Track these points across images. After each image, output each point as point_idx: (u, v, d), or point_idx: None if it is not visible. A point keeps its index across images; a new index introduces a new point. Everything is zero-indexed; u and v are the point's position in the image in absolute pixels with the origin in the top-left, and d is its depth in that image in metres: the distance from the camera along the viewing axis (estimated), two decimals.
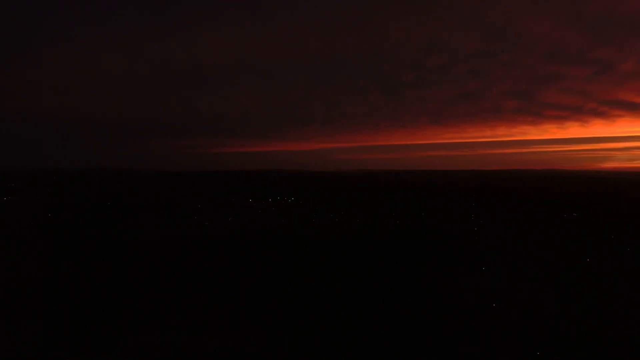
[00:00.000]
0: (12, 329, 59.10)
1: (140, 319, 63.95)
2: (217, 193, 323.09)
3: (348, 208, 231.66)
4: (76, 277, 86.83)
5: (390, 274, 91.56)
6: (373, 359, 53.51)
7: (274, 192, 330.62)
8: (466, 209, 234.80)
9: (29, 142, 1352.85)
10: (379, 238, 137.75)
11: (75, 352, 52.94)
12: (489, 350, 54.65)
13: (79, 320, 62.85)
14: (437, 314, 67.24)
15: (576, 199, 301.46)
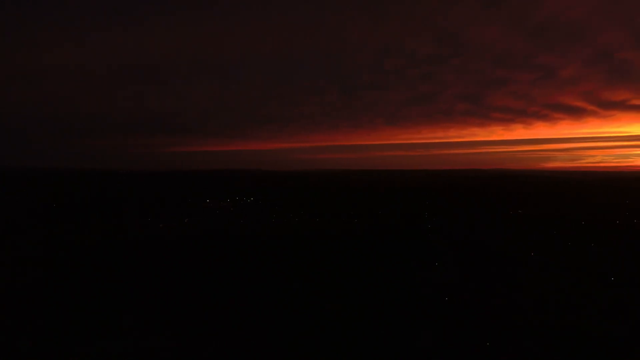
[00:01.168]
0: None
1: (78, 329, 61.30)
2: (173, 193, 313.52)
3: (307, 208, 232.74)
4: (14, 283, 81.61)
5: (347, 271, 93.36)
6: (330, 353, 54.56)
7: (232, 192, 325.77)
8: (420, 207, 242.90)
9: None
10: (338, 237, 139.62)
11: None
12: (441, 341, 57.27)
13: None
14: (393, 308, 69.48)
15: (521, 197, 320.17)
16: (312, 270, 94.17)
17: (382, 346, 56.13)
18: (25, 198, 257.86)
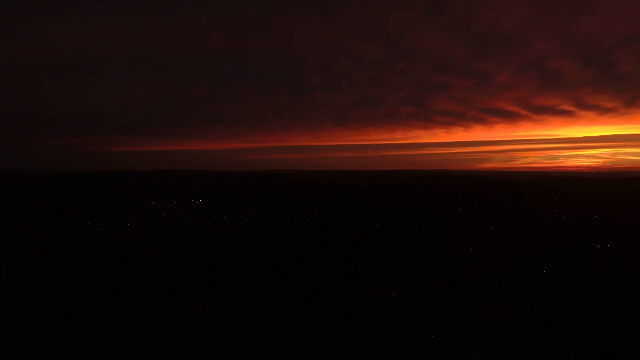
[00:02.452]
0: None
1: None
2: (114, 196, 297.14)
3: (259, 209, 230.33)
4: None
5: (299, 271, 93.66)
6: (280, 351, 54.60)
7: (179, 193, 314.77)
8: (369, 206, 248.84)
9: None
10: (290, 237, 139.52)
11: None
12: (390, 334, 59.14)
13: None
14: (342, 305, 70.71)
15: (461, 195, 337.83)
16: (263, 271, 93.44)
17: (331, 342, 56.94)
18: None
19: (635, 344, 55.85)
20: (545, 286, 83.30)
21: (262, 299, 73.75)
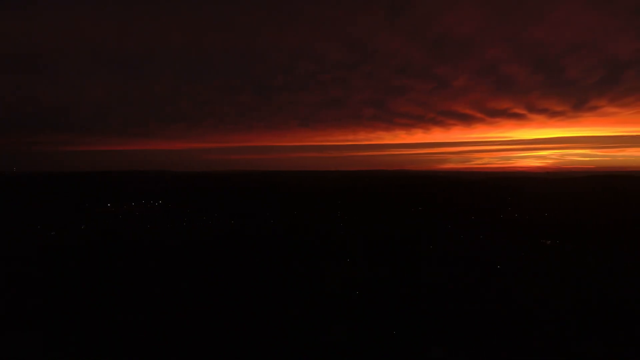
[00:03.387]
0: None
1: None
2: (67, 197, 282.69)
3: (222, 210, 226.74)
4: None
5: (263, 271, 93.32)
6: (243, 352, 54.42)
7: (137, 195, 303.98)
8: (333, 206, 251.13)
9: None
10: (253, 238, 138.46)
11: None
12: (353, 333, 60.28)
13: None
14: (306, 304, 71.28)
15: (421, 195, 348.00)
16: (225, 272, 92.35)
17: (294, 342, 57.32)
18: None
19: (582, 333, 59.97)
20: (500, 281, 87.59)
21: (225, 300, 72.98)
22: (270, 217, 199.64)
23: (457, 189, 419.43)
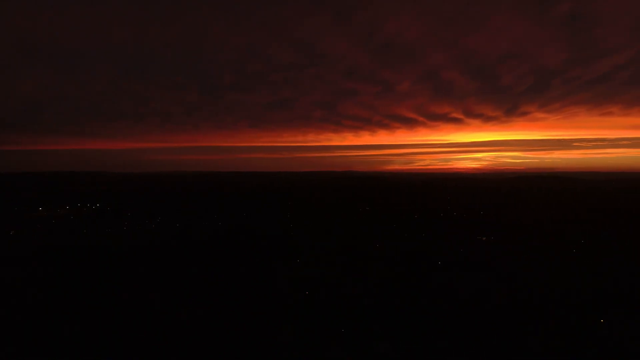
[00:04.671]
0: None
1: None
2: None
3: (167, 212, 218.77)
4: None
5: (211, 274, 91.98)
6: (192, 353, 53.85)
7: (72, 198, 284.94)
8: (283, 207, 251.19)
9: None
10: (201, 241, 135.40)
11: None
12: (302, 333, 61.51)
13: None
14: (256, 306, 71.52)
15: (368, 195, 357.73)
16: (170, 277, 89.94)
17: (243, 345, 57.51)
18: None
19: (523, 321, 65.47)
20: (440, 276, 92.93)
21: (174, 304, 71.30)
22: (218, 219, 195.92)
23: (402, 189, 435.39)
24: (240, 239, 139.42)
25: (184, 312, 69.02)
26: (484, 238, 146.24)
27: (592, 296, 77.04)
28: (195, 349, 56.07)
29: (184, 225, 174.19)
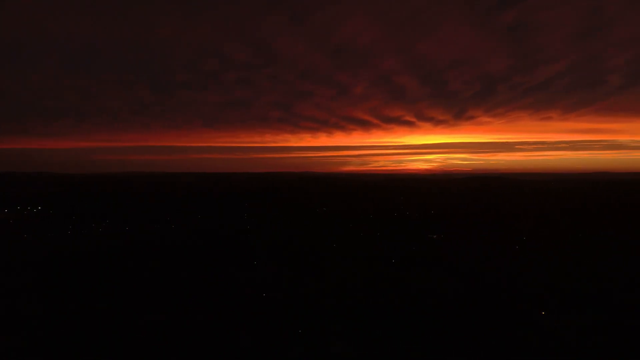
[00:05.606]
0: None
1: None
2: None
3: (115, 215, 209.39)
4: None
5: (166, 279, 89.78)
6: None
7: (12, 200, 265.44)
8: (239, 209, 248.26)
9: None
10: (152, 245, 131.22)
11: None
12: (259, 335, 61.80)
13: None
14: (213, 310, 70.89)
15: (325, 196, 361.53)
16: (123, 282, 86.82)
17: (200, 349, 57.01)
18: None
19: (472, 315, 69.26)
20: (394, 273, 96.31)
21: (124, 311, 69.03)
22: (170, 221, 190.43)
23: (358, 190, 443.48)
24: (194, 242, 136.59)
25: (135, 319, 67.06)
26: (435, 236, 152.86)
27: (534, 289, 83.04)
28: (147, 356, 54.82)
29: (134, 229, 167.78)
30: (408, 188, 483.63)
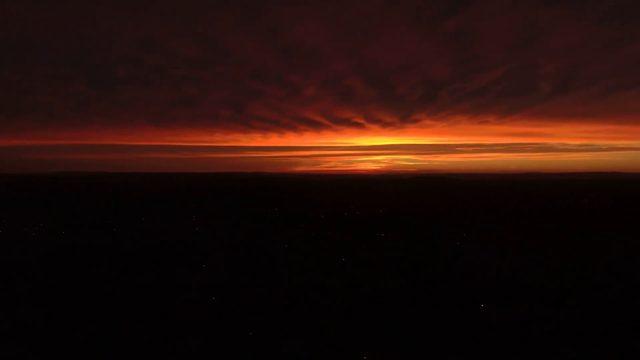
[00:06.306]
0: None
1: None
2: None
3: (50, 219, 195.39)
4: None
5: (109, 282, 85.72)
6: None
7: None
8: (188, 210, 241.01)
9: None
10: (92, 248, 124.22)
11: None
12: (208, 339, 61.05)
13: None
14: (160, 314, 68.92)
15: (277, 196, 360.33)
16: (59, 291, 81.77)
17: (148, 355, 55.45)
18: None
19: (423, 311, 72.42)
20: (345, 272, 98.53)
21: (62, 319, 65.22)
22: (113, 224, 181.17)
23: (309, 190, 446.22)
24: (138, 246, 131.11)
25: (70, 330, 63.65)
26: (382, 235, 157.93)
27: (476, 282, 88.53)
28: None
29: (71, 233, 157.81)
30: (358, 188, 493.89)
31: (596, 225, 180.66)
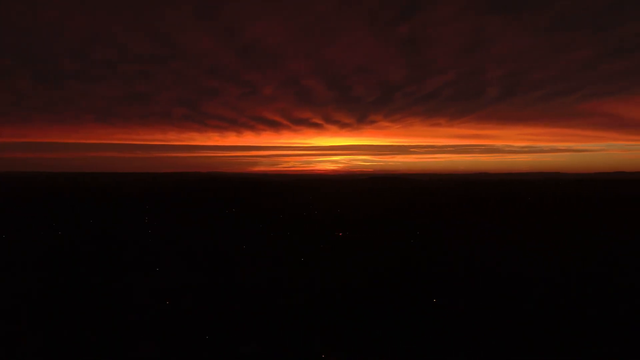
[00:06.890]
0: None
1: None
2: None
3: None
4: None
5: (58, 289, 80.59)
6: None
7: None
8: (140, 211, 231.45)
9: None
10: (41, 254, 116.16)
11: None
12: (163, 344, 59.02)
13: None
14: (111, 319, 65.80)
15: (234, 196, 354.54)
16: (13, 298, 75.89)
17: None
18: None
19: (383, 307, 73.63)
20: (304, 271, 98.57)
21: (13, 323, 60.54)
22: (58, 226, 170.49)
23: (268, 190, 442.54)
24: (86, 249, 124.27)
25: (22, 335, 59.31)
26: (340, 234, 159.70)
27: (428, 277, 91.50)
28: None
29: (10, 237, 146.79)
30: (316, 188, 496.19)
31: (538, 222, 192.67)
